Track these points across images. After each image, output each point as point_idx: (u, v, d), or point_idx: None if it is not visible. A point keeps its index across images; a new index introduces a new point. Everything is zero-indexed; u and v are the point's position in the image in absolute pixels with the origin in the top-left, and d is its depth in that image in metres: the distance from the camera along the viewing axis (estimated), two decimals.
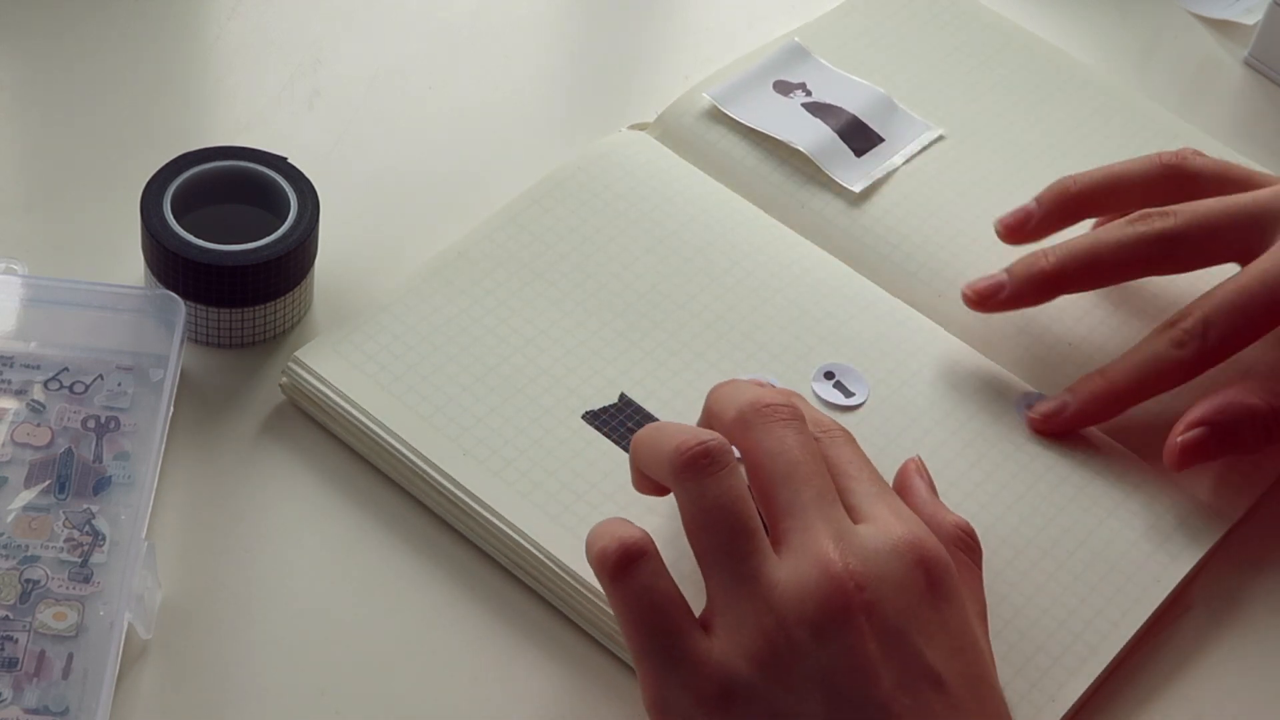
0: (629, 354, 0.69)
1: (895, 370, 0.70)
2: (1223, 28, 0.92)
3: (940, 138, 0.80)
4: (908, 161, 0.78)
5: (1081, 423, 0.69)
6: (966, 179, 0.79)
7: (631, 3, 0.88)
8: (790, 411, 0.59)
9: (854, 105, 0.80)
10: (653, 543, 0.57)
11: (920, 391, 0.70)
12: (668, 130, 0.79)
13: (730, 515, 0.56)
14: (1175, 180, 0.72)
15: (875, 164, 0.78)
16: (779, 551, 0.56)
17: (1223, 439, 0.67)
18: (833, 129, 0.78)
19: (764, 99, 0.79)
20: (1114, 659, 0.64)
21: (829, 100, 0.80)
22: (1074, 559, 0.65)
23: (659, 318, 0.70)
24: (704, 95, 0.79)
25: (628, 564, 0.56)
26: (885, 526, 0.57)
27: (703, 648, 0.55)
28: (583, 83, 0.84)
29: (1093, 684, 0.63)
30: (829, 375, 0.69)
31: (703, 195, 0.76)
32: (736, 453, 0.58)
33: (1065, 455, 0.69)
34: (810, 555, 0.55)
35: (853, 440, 0.62)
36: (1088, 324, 0.73)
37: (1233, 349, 0.68)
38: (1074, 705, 0.62)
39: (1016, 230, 0.73)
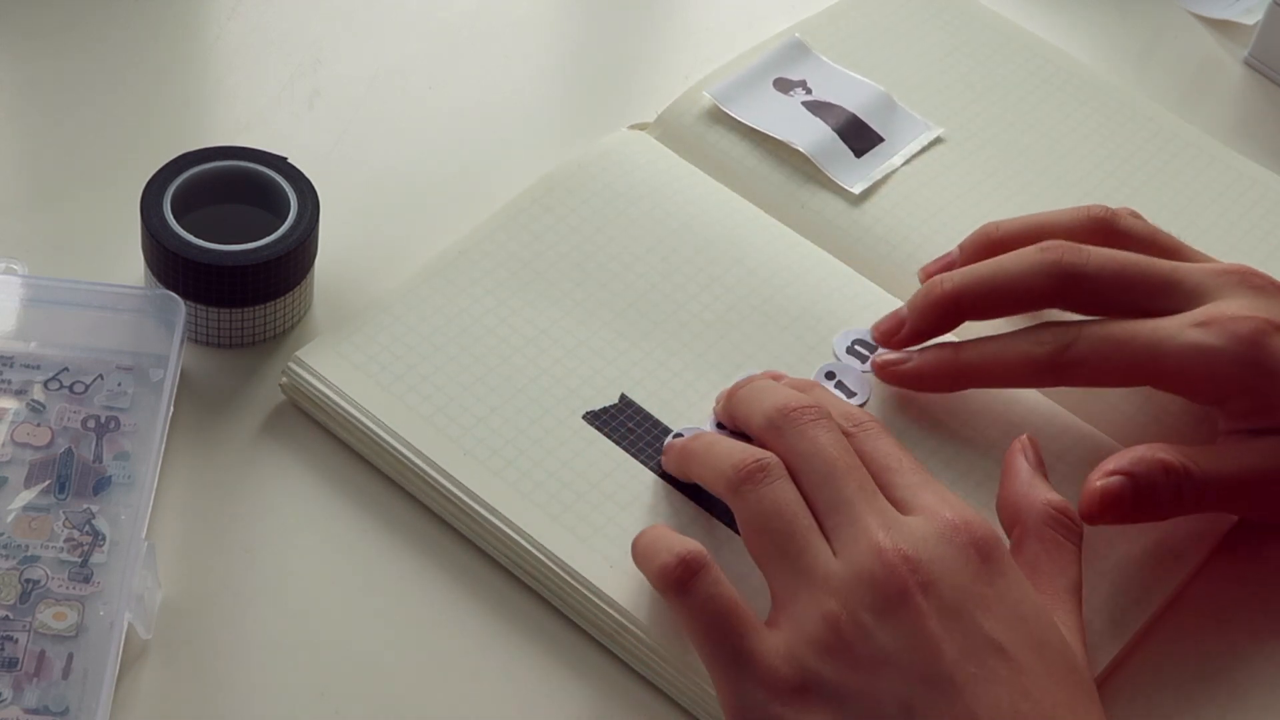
0: (629, 354, 0.69)
1: None
2: (1223, 28, 0.92)
3: (940, 137, 0.80)
4: (907, 162, 0.78)
5: (917, 382, 0.68)
6: (966, 179, 0.79)
7: (631, 3, 0.88)
8: (817, 411, 0.61)
9: (854, 103, 0.80)
10: (707, 552, 0.59)
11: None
12: (668, 130, 0.79)
13: (783, 517, 0.59)
14: (1102, 235, 0.69)
15: (875, 164, 0.78)
16: (833, 547, 0.58)
17: (1139, 493, 0.63)
18: (832, 128, 0.78)
19: (764, 97, 0.79)
20: (1115, 658, 0.64)
21: (829, 98, 0.80)
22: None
23: (659, 318, 0.70)
24: (704, 94, 0.78)
25: (689, 577, 0.58)
26: (932, 514, 0.58)
27: (770, 645, 0.57)
28: (583, 83, 0.84)
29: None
30: (830, 375, 0.69)
31: (703, 195, 0.76)
32: None
33: (1066, 455, 0.69)
34: (863, 543, 0.57)
35: (885, 430, 0.63)
36: None
37: (1084, 376, 0.66)
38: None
39: (936, 275, 0.71)
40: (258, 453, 0.66)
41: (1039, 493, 0.62)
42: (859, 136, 0.79)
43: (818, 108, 0.79)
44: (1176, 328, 0.65)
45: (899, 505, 0.59)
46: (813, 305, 0.72)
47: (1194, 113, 0.86)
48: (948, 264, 0.72)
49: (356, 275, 0.72)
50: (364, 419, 0.65)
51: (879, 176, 0.77)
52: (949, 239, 0.76)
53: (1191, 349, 0.65)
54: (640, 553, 0.61)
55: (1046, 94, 0.84)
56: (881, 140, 0.79)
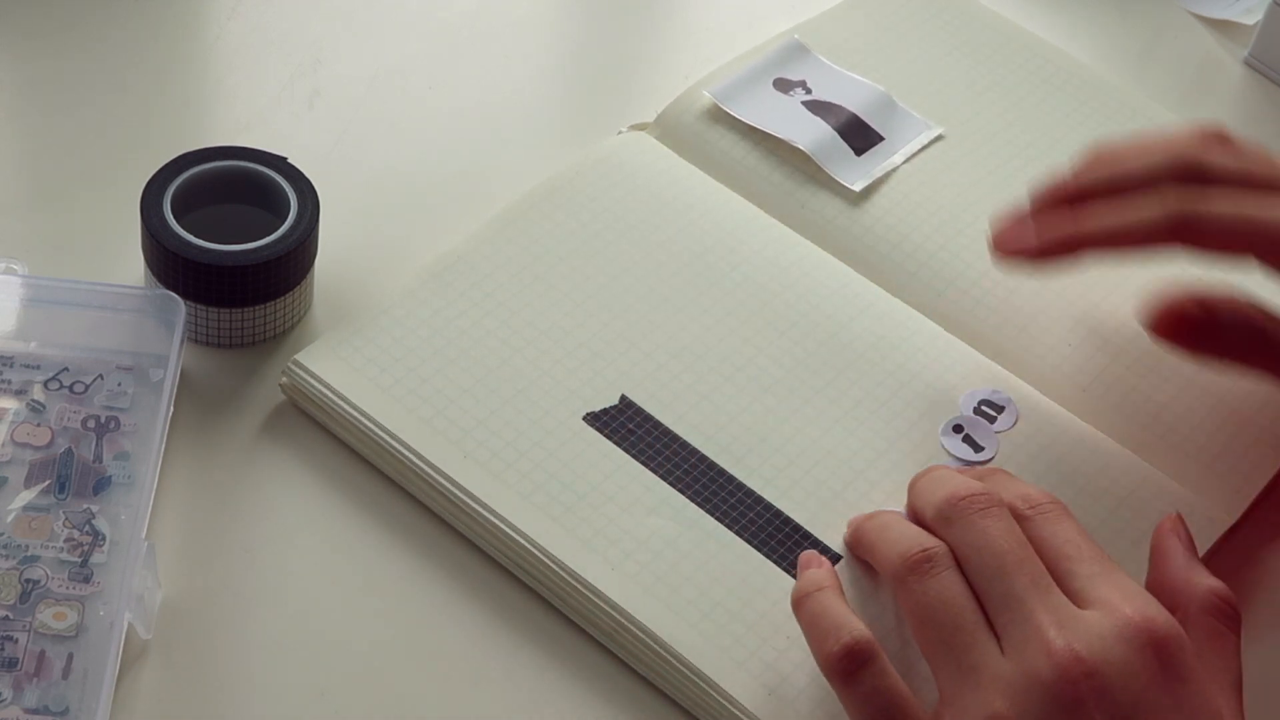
0: (629, 355, 0.69)
1: (895, 372, 0.70)
2: (1223, 28, 0.92)
3: (940, 136, 0.80)
4: (908, 160, 0.78)
5: (1042, 258, 0.67)
6: (966, 179, 0.79)
7: (631, 3, 0.88)
8: (987, 500, 0.59)
9: (854, 103, 0.80)
10: (875, 642, 0.57)
11: (920, 393, 0.70)
12: (668, 130, 0.78)
13: (950, 611, 0.57)
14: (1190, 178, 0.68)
15: (875, 163, 0.78)
16: (1002, 645, 0.56)
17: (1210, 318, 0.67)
18: (833, 127, 0.78)
19: (764, 96, 0.79)
20: None
21: (829, 98, 0.80)
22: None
23: (659, 319, 0.70)
24: (704, 93, 0.78)
25: (857, 668, 0.56)
26: (1112, 609, 0.56)
27: None
28: (583, 83, 0.84)
29: None
30: (958, 429, 0.68)
31: (703, 196, 0.76)
32: None
33: (1066, 455, 0.69)
34: (1034, 644, 0.55)
35: (1066, 513, 0.60)
36: (1088, 325, 0.73)
37: (1212, 242, 0.66)
38: None
39: (1049, 199, 0.69)
40: (258, 453, 0.66)
41: (1199, 578, 0.59)
42: (860, 135, 0.79)
43: (818, 107, 0.79)
44: None
45: (1076, 597, 0.57)
46: (813, 306, 0.72)
47: (1194, 113, 0.86)
48: (1059, 189, 0.69)
49: (356, 275, 0.72)
50: (364, 421, 0.65)
51: (880, 174, 0.77)
52: (949, 238, 0.76)
53: None
54: (808, 626, 0.59)
55: (1046, 94, 0.84)
56: (882, 139, 0.79)
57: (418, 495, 0.65)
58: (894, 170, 0.78)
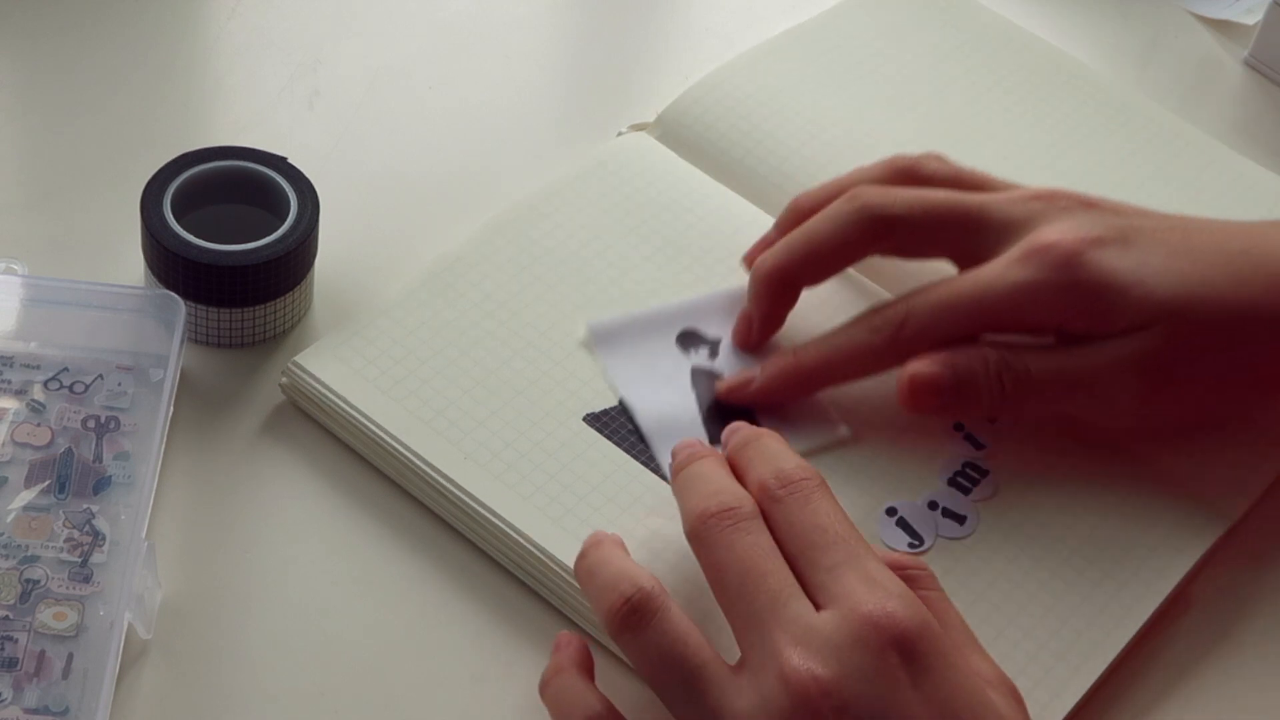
0: None
1: (895, 371, 0.70)
2: (1223, 28, 0.92)
3: (843, 437, 0.68)
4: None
5: (767, 398, 0.67)
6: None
7: (631, 3, 0.88)
8: (737, 514, 0.57)
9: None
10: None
11: None
12: (668, 130, 0.78)
13: (676, 661, 0.55)
14: (906, 181, 0.69)
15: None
16: (743, 671, 0.54)
17: (956, 381, 0.64)
18: (701, 410, 0.67)
19: (651, 348, 0.68)
20: (1116, 657, 0.64)
21: (730, 369, 0.68)
22: (1076, 558, 0.65)
23: None
24: (586, 325, 0.68)
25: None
26: (851, 605, 0.54)
27: None
28: (583, 82, 0.84)
29: (1095, 682, 0.63)
30: (933, 505, 0.66)
31: (703, 196, 0.76)
32: None
33: (1066, 455, 0.69)
34: (771, 671, 0.53)
35: (824, 492, 0.58)
36: None
37: (929, 345, 0.66)
38: (1077, 703, 0.62)
39: (755, 256, 0.70)
40: (258, 453, 0.66)
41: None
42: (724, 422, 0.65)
43: (705, 378, 0.68)
44: (997, 272, 0.65)
45: (818, 591, 0.55)
46: (812, 308, 0.72)
47: (1194, 113, 0.86)
48: (763, 242, 0.71)
49: (356, 275, 0.72)
50: (364, 422, 0.65)
51: None
52: None
53: (1016, 289, 0.65)
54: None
55: (1046, 94, 0.84)
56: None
57: (418, 495, 0.65)
58: None
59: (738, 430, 0.62)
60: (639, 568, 0.57)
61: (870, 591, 0.54)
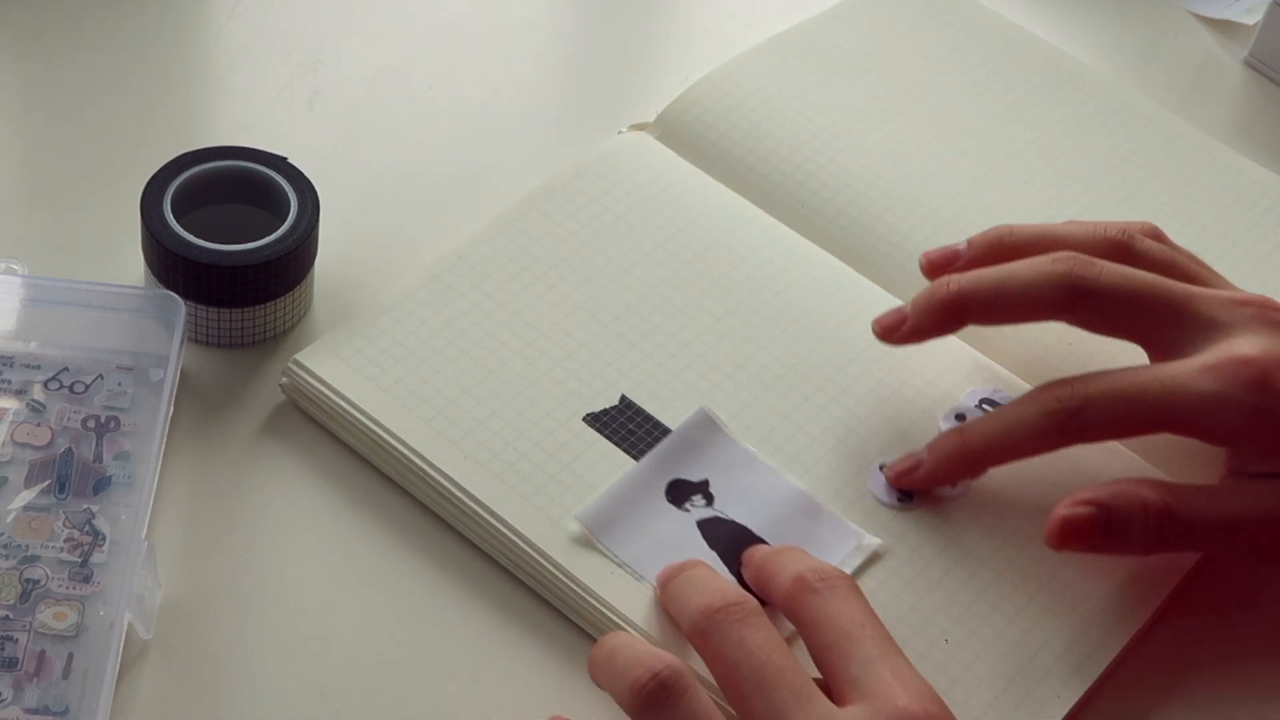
0: (629, 356, 0.69)
1: (895, 370, 0.70)
2: (1223, 28, 0.92)
3: (877, 553, 0.65)
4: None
5: (935, 481, 0.66)
6: (966, 179, 0.79)
7: (631, 3, 0.88)
8: (743, 610, 0.56)
9: (764, 515, 0.65)
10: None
11: (921, 391, 0.70)
12: (668, 130, 0.79)
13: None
14: (1117, 256, 0.66)
15: None
16: None
17: (1110, 526, 0.61)
18: (722, 559, 0.63)
19: (649, 518, 0.64)
20: (1115, 657, 0.64)
21: (732, 508, 0.65)
22: (1076, 558, 0.65)
23: (659, 319, 0.70)
24: (575, 520, 0.63)
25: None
26: (887, 699, 0.54)
27: None
28: (583, 82, 0.84)
29: (1095, 682, 0.63)
30: (960, 417, 0.67)
31: (703, 196, 0.76)
32: None
33: (1065, 455, 0.69)
34: None
35: (854, 590, 0.58)
36: None
37: (1101, 436, 0.64)
38: (1076, 703, 0.62)
39: (941, 268, 0.69)
40: (258, 453, 0.66)
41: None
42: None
43: (716, 527, 0.64)
44: (1187, 377, 0.62)
45: (849, 684, 0.55)
46: (813, 306, 0.72)
47: (1194, 113, 0.86)
48: (952, 255, 0.69)
49: (356, 275, 0.72)
50: (365, 422, 0.65)
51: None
52: (949, 239, 0.75)
53: (1203, 400, 0.62)
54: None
55: (1046, 94, 0.84)
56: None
57: (418, 495, 0.65)
58: None
59: (761, 547, 0.62)
60: (663, 650, 0.57)
61: (905, 688, 0.54)
